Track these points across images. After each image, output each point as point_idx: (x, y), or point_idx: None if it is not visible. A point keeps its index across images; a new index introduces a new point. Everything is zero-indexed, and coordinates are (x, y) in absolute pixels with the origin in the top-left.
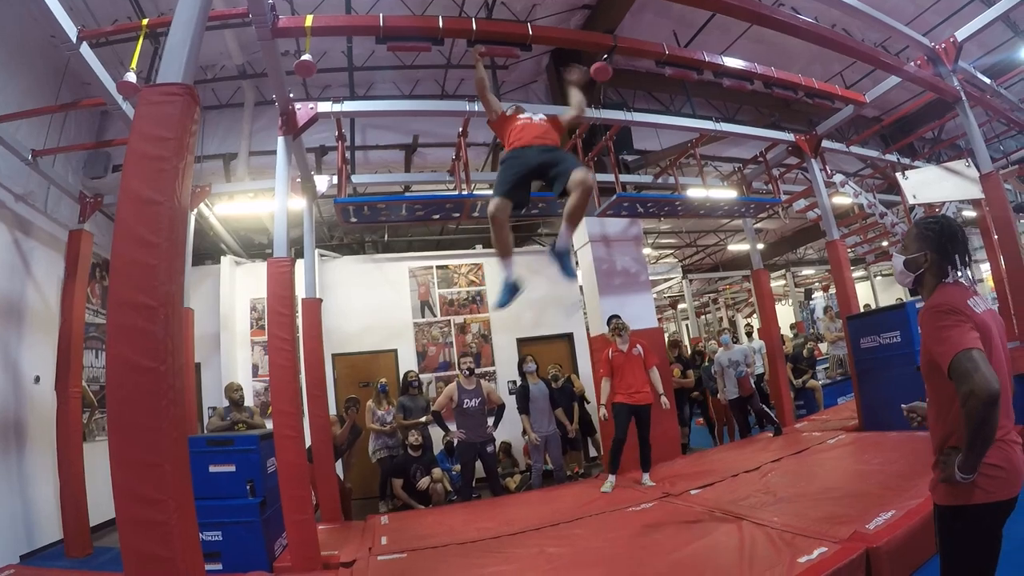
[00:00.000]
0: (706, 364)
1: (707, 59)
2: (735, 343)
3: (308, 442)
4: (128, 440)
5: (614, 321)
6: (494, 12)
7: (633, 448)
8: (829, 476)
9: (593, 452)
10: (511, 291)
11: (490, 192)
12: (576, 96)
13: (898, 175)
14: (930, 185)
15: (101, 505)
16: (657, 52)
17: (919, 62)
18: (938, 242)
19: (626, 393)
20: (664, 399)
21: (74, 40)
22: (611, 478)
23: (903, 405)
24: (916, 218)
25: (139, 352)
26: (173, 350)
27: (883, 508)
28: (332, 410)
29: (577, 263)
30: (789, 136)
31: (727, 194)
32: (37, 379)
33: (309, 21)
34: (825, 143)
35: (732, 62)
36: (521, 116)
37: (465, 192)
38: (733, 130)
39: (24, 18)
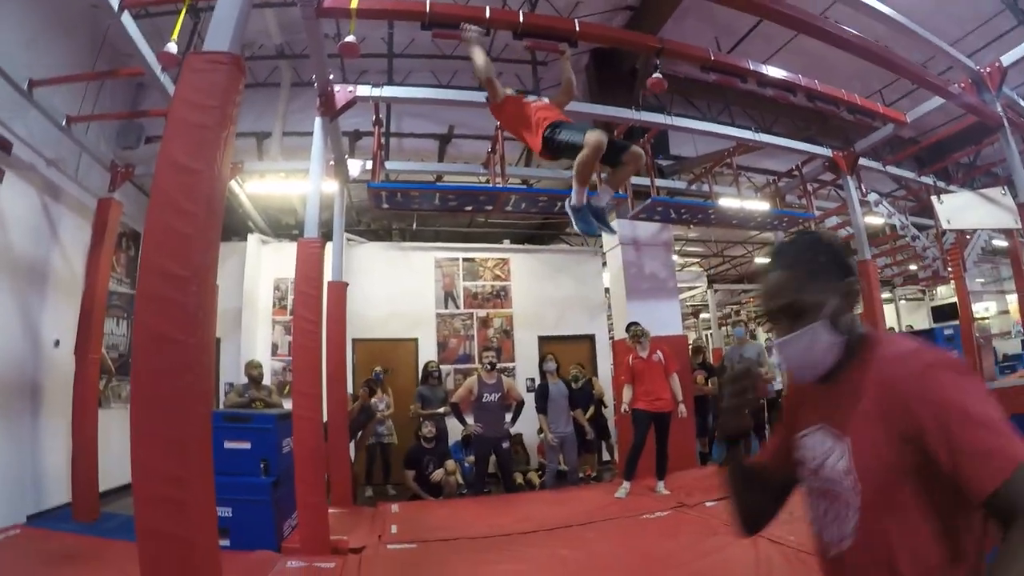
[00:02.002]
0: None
1: (752, 67)
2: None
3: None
4: (152, 414)
5: (633, 328)
6: (537, 7)
7: (649, 455)
8: None
9: (607, 456)
10: (596, 216)
11: (523, 186)
12: (568, 72)
13: (933, 198)
14: (965, 211)
15: (111, 472)
16: (703, 57)
17: (963, 85)
18: (845, 265)
19: (646, 400)
20: (682, 407)
21: (116, 9)
22: (626, 484)
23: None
24: (781, 244)
25: (168, 323)
26: (203, 323)
27: None
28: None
29: (605, 264)
30: (827, 151)
31: (760, 206)
32: (57, 343)
33: (355, 3)
34: (862, 161)
35: (777, 72)
36: (530, 98)
37: (500, 185)
38: (772, 141)
39: None
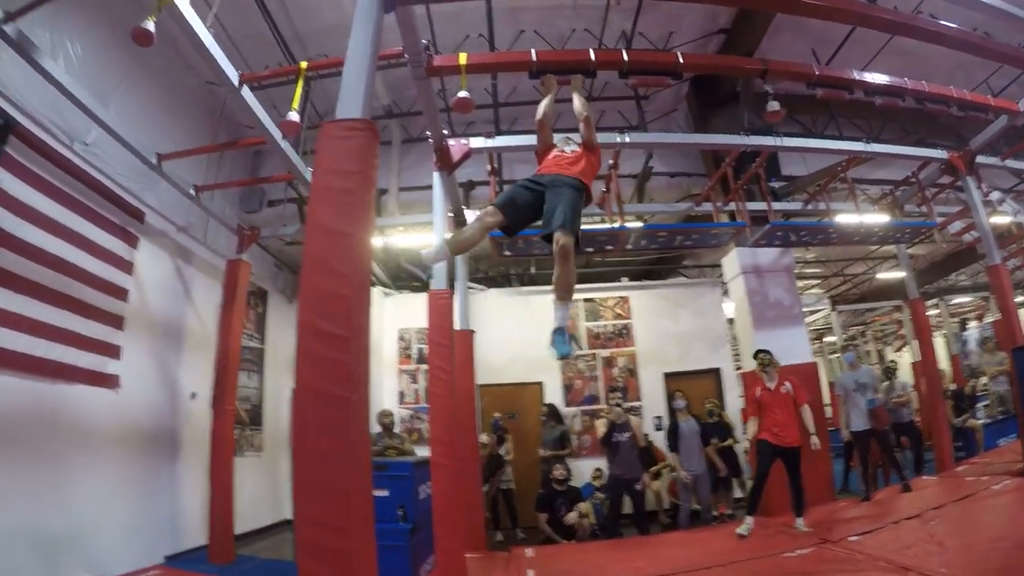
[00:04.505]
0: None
1: (858, 77)
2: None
3: None
4: (314, 466)
5: (761, 356)
6: (633, 42)
7: (784, 490)
8: (997, 525)
9: (738, 493)
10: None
11: (639, 224)
12: (577, 102)
13: None
14: None
15: (244, 516)
16: (807, 74)
17: None
18: None
19: (771, 431)
20: (815, 439)
21: (236, 84)
22: (748, 520)
23: None
24: None
25: (329, 381)
26: (362, 381)
27: None
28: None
29: (726, 294)
30: (942, 153)
31: (880, 219)
32: (193, 395)
33: (463, 59)
34: (979, 158)
35: (880, 78)
36: (555, 149)
37: (618, 224)
38: (883, 150)
39: (179, 66)
